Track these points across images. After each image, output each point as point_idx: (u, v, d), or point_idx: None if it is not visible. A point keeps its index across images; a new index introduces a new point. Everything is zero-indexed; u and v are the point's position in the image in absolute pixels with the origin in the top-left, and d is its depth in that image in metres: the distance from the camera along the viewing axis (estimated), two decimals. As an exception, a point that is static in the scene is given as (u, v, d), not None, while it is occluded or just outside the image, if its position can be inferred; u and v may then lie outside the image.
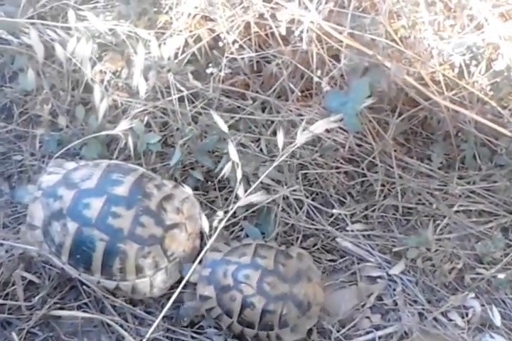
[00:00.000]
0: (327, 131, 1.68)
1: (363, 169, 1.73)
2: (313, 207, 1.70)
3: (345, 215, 1.71)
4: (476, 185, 1.73)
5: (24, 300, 1.54)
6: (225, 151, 1.48)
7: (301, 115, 1.72)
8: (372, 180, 1.73)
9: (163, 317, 1.41)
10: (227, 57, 1.72)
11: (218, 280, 1.48)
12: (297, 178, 1.70)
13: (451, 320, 1.56)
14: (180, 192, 1.58)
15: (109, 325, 1.52)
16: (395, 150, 1.72)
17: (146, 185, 1.54)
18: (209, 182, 1.73)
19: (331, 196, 1.73)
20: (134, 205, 1.49)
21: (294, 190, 1.67)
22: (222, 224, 1.38)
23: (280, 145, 1.40)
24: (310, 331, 1.51)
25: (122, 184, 1.51)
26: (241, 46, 1.72)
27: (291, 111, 1.74)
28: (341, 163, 1.73)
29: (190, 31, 1.76)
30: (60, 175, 1.56)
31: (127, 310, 1.54)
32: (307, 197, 1.70)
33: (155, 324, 1.35)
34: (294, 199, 1.67)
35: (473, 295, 1.58)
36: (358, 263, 1.65)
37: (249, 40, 1.74)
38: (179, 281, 1.46)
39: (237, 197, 1.37)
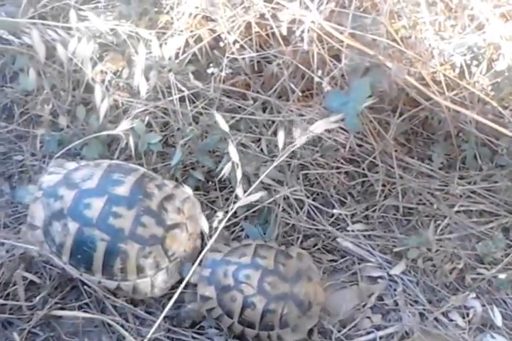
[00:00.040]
0: (328, 131, 1.68)
1: (363, 169, 1.73)
2: (313, 207, 1.70)
3: (346, 215, 1.71)
4: (476, 185, 1.73)
5: (25, 300, 1.54)
6: (226, 151, 1.48)
7: (302, 115, 1.72)
8: (372, 180, 1.73)
9: (164, 317, 1.41)
10: (228, 57, 1.71)
11: (219, 280, 1.48)
12: (298, 178, 1.70)
13: (452, 320, 1.56)
14: (181, 192, 1.59)
15: (110, 325, 1.52)
16: (396, 151, 1.72)
17: (147, 185, 1.54)
18: (210, 183, 1.73)
19: (331, 196, 1.73)
20: (135, 205, 1.49)
21: (295, 190, 1.67)
22: (223, 224, 1.38)
23: (280, 145, 1.40)
24: (311, 331, 1.51)
25: (123, 184, 1.51)
26: (242, 46, 1.72)
27: (291, 111, 1.74)
28: (342, 163, 1.73)
29: (191, 31, 1.76)
30: (61, 175, 1.56)
31: (128, 310, 1.54)
32: (308, 197, 1.70)
33: (156, 324, 1.35)
34: (295, 199, 1.68)
35: (474, 295, 1.58)
36: (359, 264, 1.65)
37: (250, 40, 1.74)
38: (180, 281, 1.46)
39: (237, 197, 1.38)
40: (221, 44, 1.73)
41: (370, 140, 1.70)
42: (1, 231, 1.67)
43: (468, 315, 1.57)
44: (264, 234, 1.63)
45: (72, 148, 1.64)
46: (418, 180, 1.73)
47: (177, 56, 1.74)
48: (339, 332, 1.53)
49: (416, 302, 1.59)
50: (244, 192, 1.37)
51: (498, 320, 1.54)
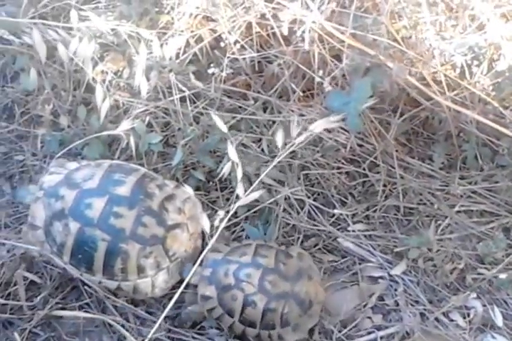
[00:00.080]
0: (328, 131, 1.69)
1: (364, 169, 1.73)
2: (314, 208, 1.70)
3: (347, 215, 1.71)
4: (477, 186, 1.73)
5: (26, 300, 1.54)
6: (227, 151, 1.48)
7: (302, 115, 1.72)
8: (373, 181, 1.73)
9: (165, 317, 1.42)
10: (228, 57, 1.72)
11: (219, 279, 1.48)
12: (299, 178, 1.70)
13: (452, 321, 1.56)
14: (181, 192, 1.59)
15: (110, 325, 1.52)
16: (397, 151, 1.72)
17: (148, 185, 1.54)
18: (210, 183, 1.73)
19: (332, 196, 1.73)
20: (136, 205, 1.49)
21: (296, 191, 1.67)
22: (223, 224, 1.38)
23: (280, 144, 1.40)
24: (312, 331, 1.51)
25: (124, 184, 1.51)
26: (242, 46, 1.72)
27: (292, 111, 1.74)
28: (343, 164, 1.73)
29: (192, 31, 1.76)
30: (62, 175, 1.56)
31: (129, 310, 1.54)
32: (309, 198, 1.70)
33: (157, 324, 1.35)
34: (296, 199, 1.68)
35: (474, 295, 1.58)
36: (360, 264, 1.65)
37: (251, 40, 1.74)
38: (181, 281, 1.46)
39: (238, 197, 1.38)
40: (222, 44, 1.73)
41: (370, 140, 1.70)
42: (1, 231, 1.67)
43: (468, 315, 1.57)
44: (265, 234, 1.63)
45: (73, 148, 1.65)
46: (419, 180, 1.73)
47: (178, 56, 1.74)
48: (340, 332, 1.53)
49: (417, 302, 1.59)
50: (245, 192, 1.37)
51: (499, 320, 1.54)
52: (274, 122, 1.76)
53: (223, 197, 1.71)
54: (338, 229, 1.69)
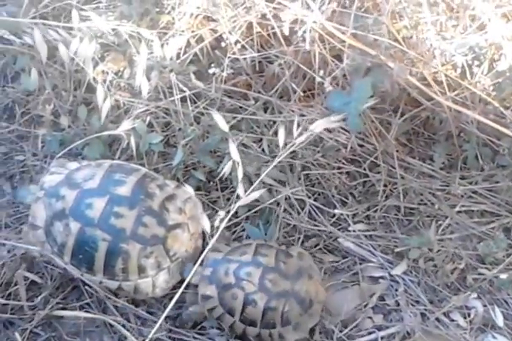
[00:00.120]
0: (329, 131, 1.68)
1: (364, 169, 1.73)
2: (315, 208, 1.70)
3: (347, 215, 1.71)
4: (478, 186, 1.73)
5: (26, 300, 1.54)
6: (227, 151, 1.48)
7: (303, 115, 1.72)
8: (374, 181, 1.73)
9: (166, 317, 1.42)
10: (229, 57, 1.72)
11: (220, 279, 1.48)
12: (299, 179, 1.70)
13: (453, 321, 1.56)
14: (182, 193, 1.59)
15: (111, 325, 1.52)
16: (397, 151, 1.72)
17: (149, 185, 1.54)
18: (211, 183, 1.73)
19: (333, 196, 1.73)
20: (137, 205, 1.49)
21: (296, 191, 1.67)
22: (224, 223, 1.38)
23: (281, 144, 1.40)
24: (312, 331, 1.51)
25: (125, 184, 1.51)
26: (243, 46, 1.72)
27: (293, 111, 1.74)
28: (343, 164, 1.73)
29: (193, 31, 1.76)
30: (63, 175, 1.56)
31: (129, 310, 1.54)
32: (309, 198, 1.70)
33: (157, 324, 1.35)
34: (296, 199, 1.68)
35: (475, 295, 1.58)
36: (360, 264, 1.65)
37: (252, 40, 1.74)
38: (181, 281, 1.46)
39: (238, 197, 1.38)
40: (222, 44, 1.73)
41: (371, 140, 1.70)
42: (2, 231, 1.67)
43: (469, 315, 1.56)
44: (266, 234, 1.63)
45: (73, 148, 1.65)
46: (419, 180, 1.73)
47: (178, 56, 1.74)
48: (341, 332, 1.53)
49: (417, 302, 1.59)
50: (246, 192, 1.37)
51: (500, 320, 1.54)
52: (274, 122, 1.76)
53: (224, 197, 1.71)
54: (338, 229, 1.69)
